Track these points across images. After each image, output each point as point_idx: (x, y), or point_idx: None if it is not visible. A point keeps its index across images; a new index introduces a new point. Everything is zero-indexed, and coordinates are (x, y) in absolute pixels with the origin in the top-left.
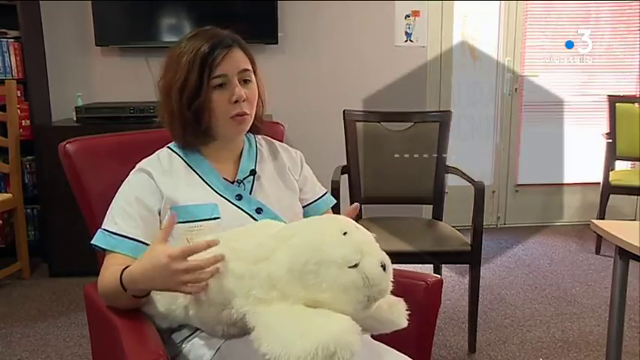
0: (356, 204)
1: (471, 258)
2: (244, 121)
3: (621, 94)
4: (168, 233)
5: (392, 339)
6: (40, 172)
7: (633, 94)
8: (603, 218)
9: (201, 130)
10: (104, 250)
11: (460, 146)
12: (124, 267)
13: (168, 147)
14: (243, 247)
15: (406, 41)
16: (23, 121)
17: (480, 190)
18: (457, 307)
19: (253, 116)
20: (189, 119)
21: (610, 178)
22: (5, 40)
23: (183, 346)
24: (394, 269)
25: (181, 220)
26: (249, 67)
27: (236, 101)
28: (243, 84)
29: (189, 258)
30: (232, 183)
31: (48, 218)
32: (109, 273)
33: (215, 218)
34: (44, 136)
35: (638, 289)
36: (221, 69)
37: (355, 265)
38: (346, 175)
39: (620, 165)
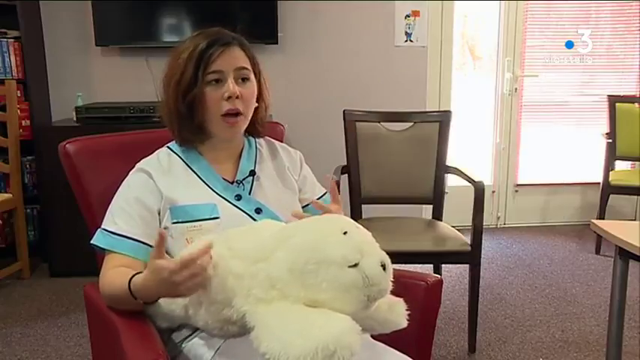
0: (333, 179)
1: (470, 258)
2: (236, 124)
3: (621, 94)
4: (160, 251)
5: (392, 339)
6: (40, 172)
7: (633, 94)
8: (603, 218)
9: (194, 126)
10: (104, 249)
11: (460, 146)
12: (129, 275)
13: (168, 147)
14: (243, 246)
15: (406, 41)
16: (23, 121)
17: (479, 190)
18: (457, 307)
19: (249, 117)
20: (183, 113)
21: (610, 178)
22: (5, 40)
23: (183, 346)
24: (394, 269)
25: (181, 220)
26: (248, 66)
27: (229, 97)
28: (241, 82)
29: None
30: (232, 183)
31: (48, 218)
32: (114, 278)
33: (214, 218)
34: (44, 136)
35: (638, 289)
36: (217, 65)
37: (355, 265)
38: (346, 175)
39: (620, 165)
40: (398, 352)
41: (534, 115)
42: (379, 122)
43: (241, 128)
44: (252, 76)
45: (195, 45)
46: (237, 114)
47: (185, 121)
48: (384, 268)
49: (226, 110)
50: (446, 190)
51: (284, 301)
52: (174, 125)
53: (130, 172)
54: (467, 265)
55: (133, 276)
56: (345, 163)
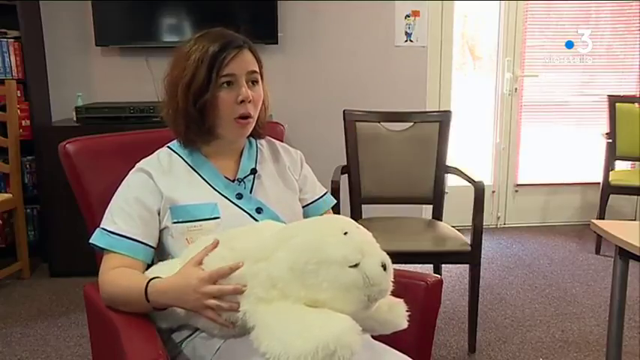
0: None
1: (470, 258)
2: (247, 125)
3: (621, 94)
4: (203, 257)
5: (392, 339)
6: (40, 172)
7: (633, 94)
8: (603, 218)
9: (204, 128)
10: (102, 249)
11: (460, 146)
12: (143, 276)
13: (168, 146)
14: (244, 246)
15: (406, 41)
16: (23, 121)
17: (479, 190)
18: (457, 307)
19: (256, 119)
20: (193, 116)
21: (610, 178)
22: (5, 40)
23: (183, 346)
24: (394, 269)
25: (181, 220)
26: (257, 70)
27: (242, 101)
28: (251, 85)
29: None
30: (233, 181)
31: (48, 218)
32: (119, 278)
33: (215, 218)
34: (44, 136)
35: (638, 289)
36: (230, 68)
37: (356, 265)
38: (346, 175)
39: (620, 165)
40: (398, 352)
41: (534, 115)
42: (379, 122)
43: (250, 130)
44: (260, 79)
45: (205, 47)
46: (247, 116)
47: (194, 124)
48: (385, 269)
49: (239, 114)
50: (446, 190)
51: (284, 301)
52: (180, 126)
53: (130, 172)
54: (467, 265)
55: (152, 279)
56: (345, 163)
